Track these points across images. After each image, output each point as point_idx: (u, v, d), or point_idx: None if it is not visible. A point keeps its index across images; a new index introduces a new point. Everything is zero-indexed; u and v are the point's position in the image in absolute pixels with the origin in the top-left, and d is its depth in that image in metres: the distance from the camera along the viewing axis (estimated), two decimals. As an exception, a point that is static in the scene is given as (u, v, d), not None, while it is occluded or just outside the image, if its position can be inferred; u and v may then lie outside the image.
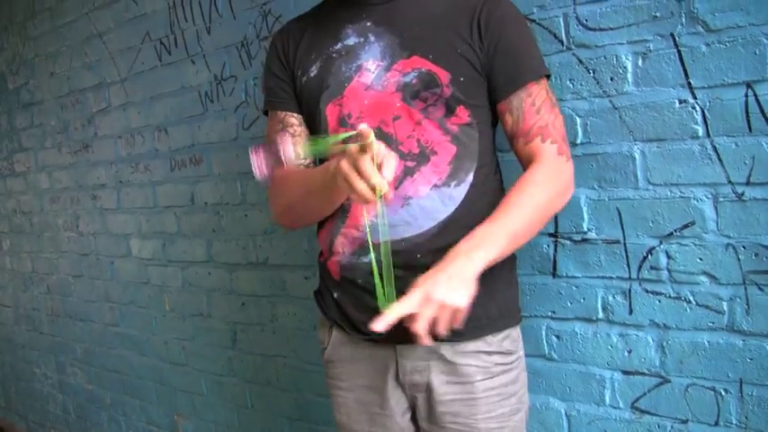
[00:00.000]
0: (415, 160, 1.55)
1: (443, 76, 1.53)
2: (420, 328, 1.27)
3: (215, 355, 3.11)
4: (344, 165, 1.32)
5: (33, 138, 4.18)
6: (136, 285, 3.53)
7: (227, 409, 3.12)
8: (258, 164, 1.34)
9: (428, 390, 1.63)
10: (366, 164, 1.28)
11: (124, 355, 3.72)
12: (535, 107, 1.55)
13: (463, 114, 1.57)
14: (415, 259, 1.53)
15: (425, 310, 1.28)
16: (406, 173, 1.55)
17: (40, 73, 4.00)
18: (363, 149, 1.29)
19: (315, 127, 1.67)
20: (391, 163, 1.30)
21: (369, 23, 1.61)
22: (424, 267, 1.38)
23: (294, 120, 1.71)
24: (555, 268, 1.92)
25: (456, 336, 1.54)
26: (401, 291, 1.40)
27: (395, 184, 1.52)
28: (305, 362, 2.69)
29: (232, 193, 2.84)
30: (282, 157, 1.33)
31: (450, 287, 1.30)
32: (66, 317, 4.19)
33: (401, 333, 1.55)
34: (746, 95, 1.57)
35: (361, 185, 1.30)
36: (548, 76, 1.60)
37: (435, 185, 1.55)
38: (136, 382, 3.68)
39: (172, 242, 3.22)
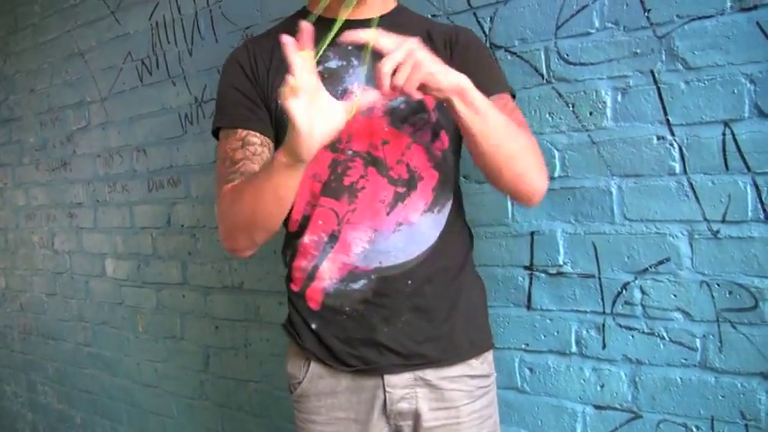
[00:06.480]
0: (405, 186, 1.53)
1: (430, 101, 1.53)
2: (386, 67, 1.25)
3: (187, 378, 3.08)
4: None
5: (11, 154, 4.15)
6: (110, 306, 3.50)
7: (197, 434, 3.09)
8: None
9: (415, 417, 1.61)
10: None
11: (96, 375, 3.68)
12: (508, 108, 1.53)
13: (445, 140, 1.57)
14: (405, 285, 1.53)
15: (398, 53, 1.25)
16: (398, 199, 1.53)
17: (20, 89, 3.99)
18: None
19: None
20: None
21: (350, 47, 1.57)
22: (412, 294, 1.47)
23: (256, 139, 1.58)
24: (529, 301, 1.92)
25: (442, 361, 1.58)
26: (388, 319, 1.44)
27: (386, 210, 1.52)
28: (277, 388, 2.67)
29: (209, 216, 2.82)
30: None
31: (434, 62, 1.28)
32: (38, 335, 4.15)
33: (389, 362, 1.54)
34: (724, 134, 1.58)
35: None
36: (513, 96, 1.62)
37: (423, 211, 1.55)
38: (107, 403, 3.64)
39: (147, 263, 3.20)
